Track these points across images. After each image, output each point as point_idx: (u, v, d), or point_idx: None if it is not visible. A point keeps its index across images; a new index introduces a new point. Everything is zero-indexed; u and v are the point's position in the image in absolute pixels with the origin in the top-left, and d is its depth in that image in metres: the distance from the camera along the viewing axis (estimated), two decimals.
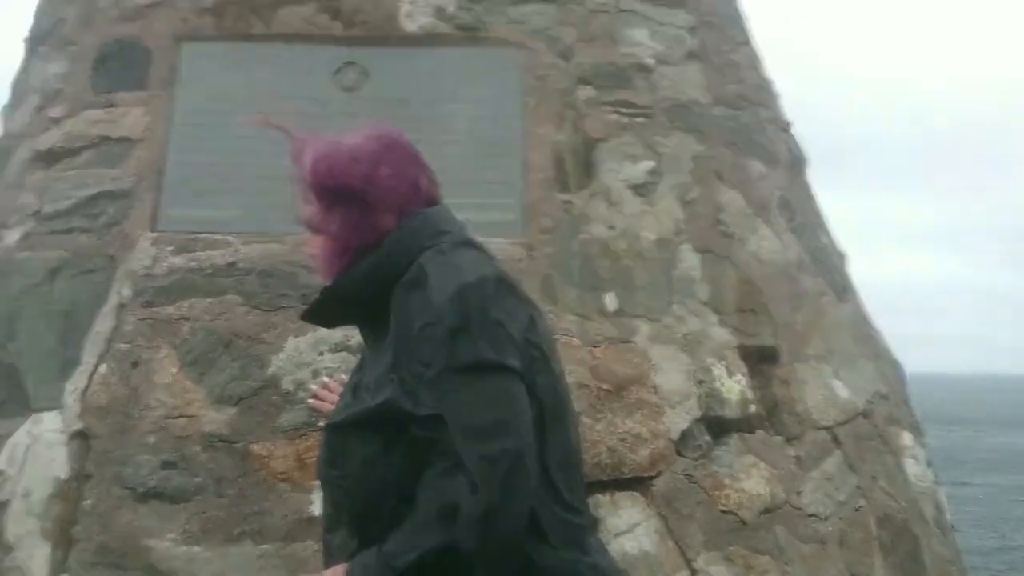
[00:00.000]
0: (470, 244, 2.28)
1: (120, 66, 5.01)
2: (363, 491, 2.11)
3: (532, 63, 4.87)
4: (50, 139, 4.92)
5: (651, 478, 4.09)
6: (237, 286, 4.25)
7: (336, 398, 2.40)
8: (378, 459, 2.09)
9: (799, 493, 4.35)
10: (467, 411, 2.00)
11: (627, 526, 3.97)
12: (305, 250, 2.35)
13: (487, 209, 4.47)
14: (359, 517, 2.14)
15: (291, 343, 4.11)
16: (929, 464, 5.21)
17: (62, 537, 3.94)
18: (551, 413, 2.17)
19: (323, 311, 2.30)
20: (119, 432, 4.02)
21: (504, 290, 2.15)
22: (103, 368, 4.16)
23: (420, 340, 2.04)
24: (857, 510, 4.53)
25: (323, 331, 4.09)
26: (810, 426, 4.56)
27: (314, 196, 2.22)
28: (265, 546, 3.81)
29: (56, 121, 4.97)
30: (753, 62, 5.85)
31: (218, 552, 3.81)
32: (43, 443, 4.09)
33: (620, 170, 4.75)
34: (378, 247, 2.19)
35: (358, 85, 4.84)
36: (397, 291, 2.12)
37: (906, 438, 5.09)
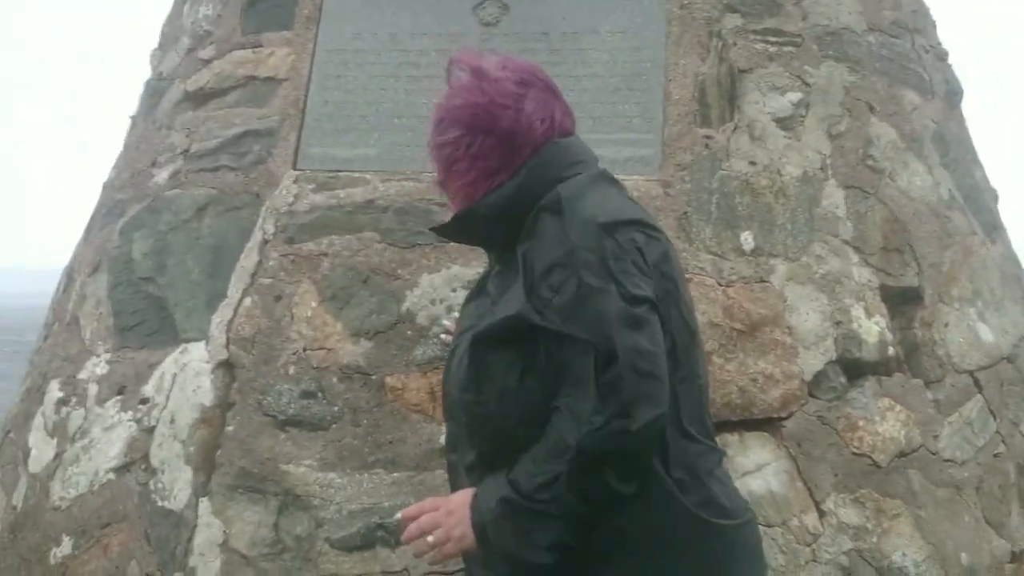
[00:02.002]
0: (606, 177, 2.33)
1: (268, 6, 5.14)
2: (499, 417, 2.19)
3: None
4: (199, 80, 5.09)
5: (782, 419, 4.03)
6: (375, 223, 4.34)
7: None
8: (517, 383, 2.15)
9: (936, 437, 4.23)
10: (599, 331, 2.03)
11: (755, 466, 3.94)
12: (434, 180, 2.42)
13: (625, 144, 4.45)
14: (492, 439, 2.21)
15: (426, 279, 4.19)
16: None
17: (205, 462, 4.14)
18: (682, 348, 2.19)
19: (457, 229, 2.41)
20: (262, 362, 4.19)
21: (638, 223, 2.20)
22: (247, 301, 4.32)
23: (553, 266, 2.10)
24: (996, 456, 4.38)
25: (456, 268, 4.17)
26: (951, 369, 4.41)
27: (457, 130, 2.30)
28: (397, 474, 3.93)
29: (206, 62, 5.14)
30: None
31: (353, 479, 3.94)
32: (190, 372, 4.29)
33: (765, 102, 4.62)
34: (514, 176, 2.26)
35: (498, 19, 4.84)
36: (535, 216, 2.20)
37: None
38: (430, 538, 2.15)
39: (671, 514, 2.16)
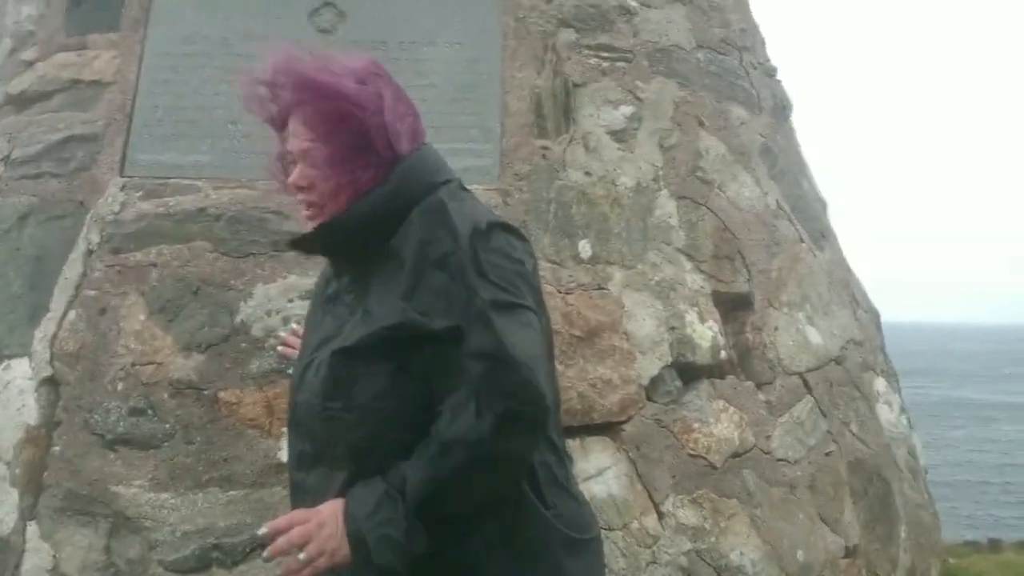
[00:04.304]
0: (463, 186, 2.28)
1: (92, 7, 4.94)
2: (370, 422, 2.09)
3: (512, 4, 4.81)
4: (22, 83, 4.86)
5: (621, 423, 4.09)
6: (206, 232, 4.21)
7: None
8: (390, 387, 2.07)
9: (768, 438, 4.36)
10: (491, 340, 1.98)
11: (596, 470, 3.98)
12: (290, 182, 2.20)
13: (463, 154, 4.42)
14: (360, 450, 2.11)
15: (260, 290, 4.09)
16: (903, 410, 5.22)
17: (31, 484, 3.94)
18: (548, 354, 2.17)
19: (322, 239, 2.24)
20: (88, 379, 4.01)
21: (515, 234, 2.17)
22: (71, 315, 4.13)
23: (440, 271, 2.04)
24: (827, 455, 4.54)
25: (293, 278, 4.08)
26: (781, 372, 4.56)
27: (308, 122, 2.16)
28: (232, 492, 3.80)
29: (28, 64, 4.92)
30: (739, 4, 5.79)
31: (186, 498, 3.80)
32: (13, 389, 4.08)
33: (599, 115, 4.70)
34: (385, 177, 2.16)
35: (334, 26, 4.78)
36: (416, 219, 2.12)
37: (880, 384, 5.10)
38: (302, 554, 2.00)
39: (535, 527, 2.13)
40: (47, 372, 4.07)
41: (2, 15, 5.32)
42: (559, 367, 3.96)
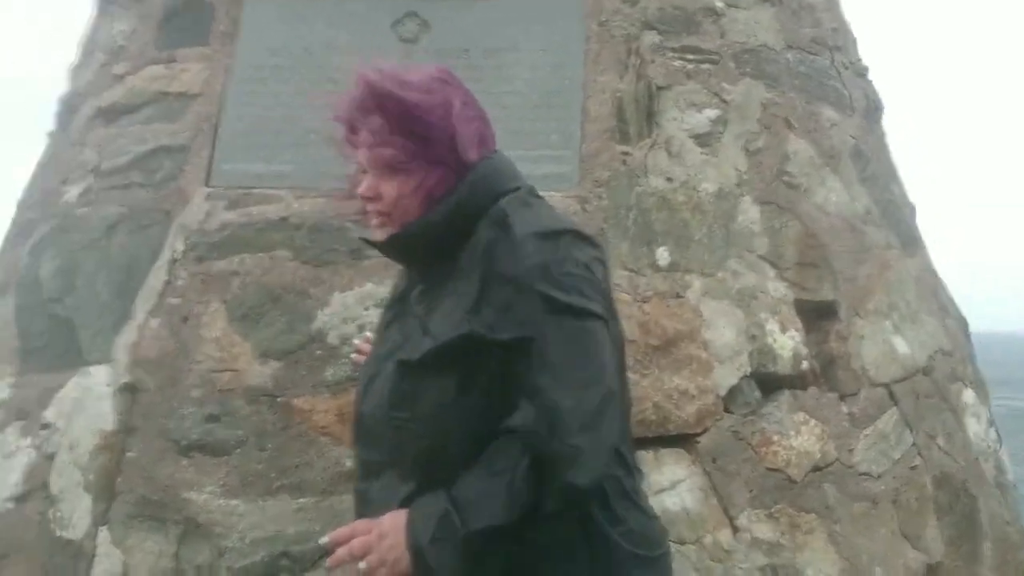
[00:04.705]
0: (536, 194, 2.27)
1: (184, 23, 5.06)
2: (435, 433, 2.09)
3: (596, 8, 4.76)
4: (112, 96, 4.99)
5: (697, 435, 4.02)
6: (288, 241, 4.27)
7: None
8: (454, 399, 2.07)
9: (851, 451, 4.23)
10: (558, 351, 1.97)
11: (669, 483, 3.91)
12: (359, 192, 2.21)
13: (543, 161, 4.41)
14: (425, 462, 2.11)
15: (337, 298, 4.12)
16: (991, 423, 5.03)
17: (105, 490, 4.02)
18: (617, 365, 2.15)
19: (400, 245, 2.25)
20: (166, 386, 4.08)
21: (587, 239, 2.15)
22: (153, 322, 4.22)
23: (505, 283, 2.02)
24: (912, 469, 4.39)
25: (370, 286, 4.11)
26: (866, 383, 4.42)
27: (373, 132, 2.17)
28: (303, 499, 3.83)
29: (119, 78, 5.04)
30: (830, 3, 5.65)
31: (256, 505, 3.85)
32: (92, 396, 4.17)
33: (683, 119, 4.62)
34: (456, 185, 2.17)
35: (418, 36, 4.80)
36: (481, 233, 2.11)
37: (968, 396, 4.92)
38: (362, 564, 2.01)
39: (600, 543, 2.11)
40: (126, 378, 4.16)
41: (95, 30, 5.47)
42: (634, 376, 3.91)
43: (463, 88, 2.26)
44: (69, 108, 5.30)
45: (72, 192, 4.80)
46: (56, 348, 4.42)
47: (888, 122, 5.83)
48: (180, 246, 4.35)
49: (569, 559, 2.09)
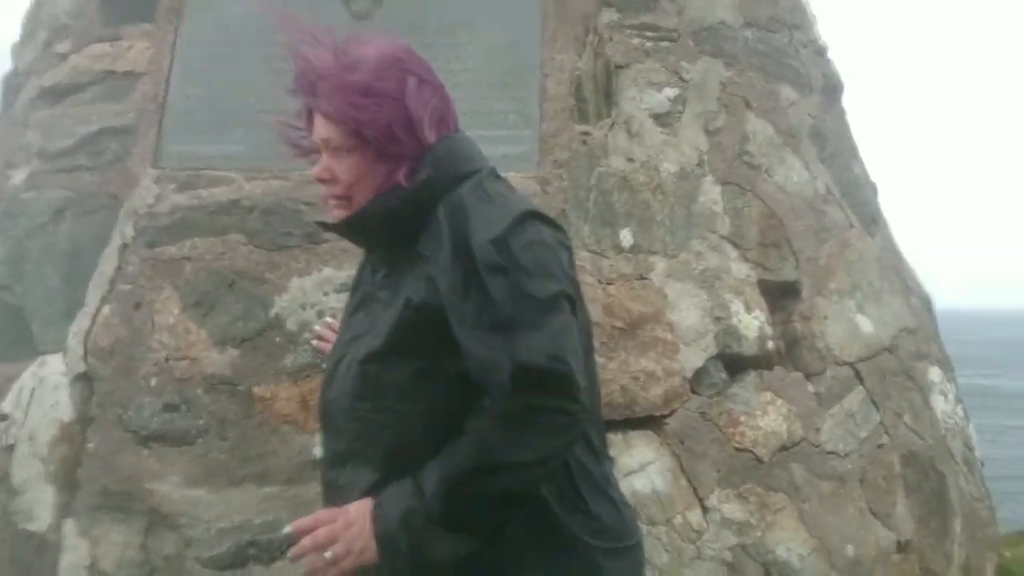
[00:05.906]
0: (497, 175, 2.20)
1: None
2: (399, 422, 2.04)
3: None
4: (56, 75, 4.83)
5: (664, 417, 3.99)
6: (240, 224, 4.15)
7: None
8: (417, 387, 2.02)
9: (818, 430, 4.23)
10: (521, 329, 1.90)
11: (638, 465, 3.89)
12: (313, 175, 2.15)
13: (501, 141, 4.32)
14: (391, 451, 2.05)
15: (295, 283, 4.03)
16: (958, 400, 5.05)
17: (67, 480, 3.92)
18: (584, 349, 2.08)
19: (357, 227, 2.18)
20: (122, 375, 3.97)
21: (549, 221, 2.09)
22: (106, 310, 4.09)
23: (463, 266, 1.96)
24: (879, 447, 4.39)
25: (328, 271, 4.02)
26: (831, 362, 4.42)
27: (326, 116, 2.09)
28: (267, 488, 3.76)
29: (63, 57, 4.87)
30: None
31: (221, 495, 3.76)
32: (48, 386, 4.06)
33: (642, 98, 4.56)
34: (414, 167, 2.09)
35: (370, 12, 4.68)
36: (442, 214, 2.04)
37: (934, 374, 4.93)
38: (328, 553, 1.95)
39: (566, 531, 2.05)
40: (81, 368, 4.03)
41: (39, 7, 5.30)
42: (600, 359, 3.85)
43: (421, 65, 2.16)
44: (12, 88, 5.13)
45: (18, 176, 4.65)
46: (8, 337, 4.30)
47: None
48: (130, 231, 4.22)
49: (537, 552, 2.04)
